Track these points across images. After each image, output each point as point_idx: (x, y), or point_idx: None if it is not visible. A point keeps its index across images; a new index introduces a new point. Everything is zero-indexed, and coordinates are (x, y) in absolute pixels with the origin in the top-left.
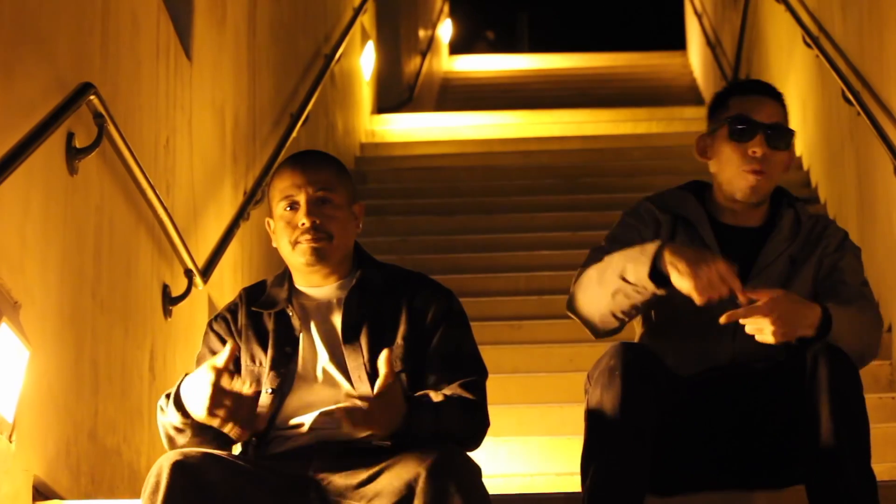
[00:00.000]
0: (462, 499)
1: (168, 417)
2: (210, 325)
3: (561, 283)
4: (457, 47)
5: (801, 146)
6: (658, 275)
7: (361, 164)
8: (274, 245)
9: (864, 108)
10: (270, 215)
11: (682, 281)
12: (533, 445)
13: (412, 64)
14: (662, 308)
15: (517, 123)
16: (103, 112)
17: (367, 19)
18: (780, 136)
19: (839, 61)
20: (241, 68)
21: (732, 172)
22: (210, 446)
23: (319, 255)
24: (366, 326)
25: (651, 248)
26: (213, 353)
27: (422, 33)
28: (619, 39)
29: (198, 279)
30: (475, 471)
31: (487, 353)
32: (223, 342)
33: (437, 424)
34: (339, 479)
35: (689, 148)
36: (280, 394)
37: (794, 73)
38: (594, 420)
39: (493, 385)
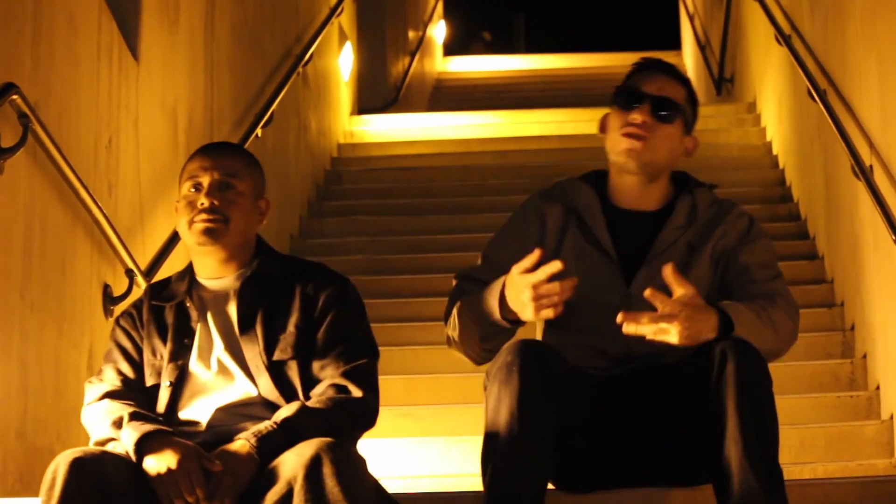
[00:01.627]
0: (342, 494)
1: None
2: (117, 321)
3: None
4: (452, 48)
5: (776, 145)
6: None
7: (338, 164)
8: (177, 228)
9: (827, 106)
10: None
11: (523, 313)
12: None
13: (399, 64)
14: None
15: (497, 123)
16: (28, 112)
17: (345, 20)
18: (665, 107)
19: (808, 59)
20: (196, 69)
21: (614, 138)
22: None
23: (211, 235)
24: (261, 315)
25: (497, 288)
26: (121, 348)
27: (411, 34)
28: (616, 39)
29: (139, 279)
30: (357, 464)
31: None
32: (129, 337)
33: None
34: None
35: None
36: (178, 386)
37: (770, 72)
38: (492, 417)
39: (455, 385)
